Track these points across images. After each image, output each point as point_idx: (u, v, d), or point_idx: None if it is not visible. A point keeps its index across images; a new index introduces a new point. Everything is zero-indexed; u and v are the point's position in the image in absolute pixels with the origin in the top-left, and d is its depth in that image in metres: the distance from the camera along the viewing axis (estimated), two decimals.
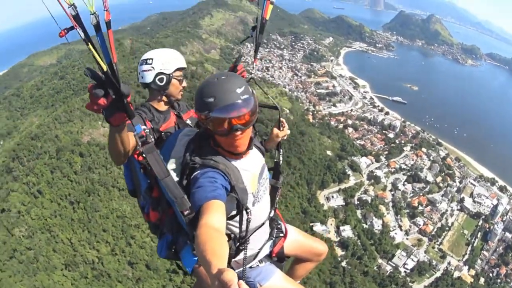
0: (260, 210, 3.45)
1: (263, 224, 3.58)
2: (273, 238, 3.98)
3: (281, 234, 4.09)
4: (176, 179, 3.10)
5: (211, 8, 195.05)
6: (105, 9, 2.15)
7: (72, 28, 2.06)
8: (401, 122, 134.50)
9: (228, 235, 3.16)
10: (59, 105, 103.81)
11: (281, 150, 4.41)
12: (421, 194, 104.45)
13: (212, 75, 3.02)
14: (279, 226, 4.14)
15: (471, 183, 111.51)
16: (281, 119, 4.34)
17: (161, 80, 4.23)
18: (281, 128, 4.40)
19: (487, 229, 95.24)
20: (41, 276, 58.37)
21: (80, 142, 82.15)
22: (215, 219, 2.38)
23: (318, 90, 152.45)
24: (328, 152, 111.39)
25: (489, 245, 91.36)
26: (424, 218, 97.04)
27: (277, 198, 4.07)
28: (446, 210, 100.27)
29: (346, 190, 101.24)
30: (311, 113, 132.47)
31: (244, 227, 3.15)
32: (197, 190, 2.73)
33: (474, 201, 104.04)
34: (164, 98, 4.43)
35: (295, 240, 4.39)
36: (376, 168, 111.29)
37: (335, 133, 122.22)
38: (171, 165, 3.20)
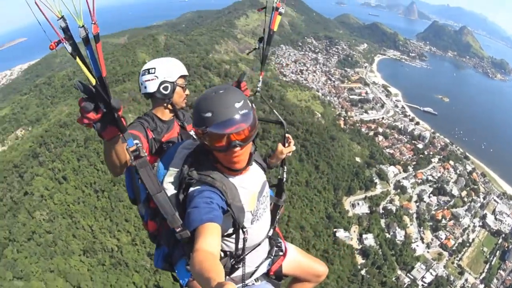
0: (258, 228, 3.30)
1: (261, 242, 3.42)
2: (272, 257, 3.80)
3: (281, 253, 3.91)
4: (173, 192, 3.02)
5: (247, 8, 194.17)
6: (93, 22, 2.13)
7: (63, 40, 2.10)
8: (430, 133, 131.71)
9: (224, 252, 3.10)
10: None
11: (285, 167, 4.18)
12: (445, 207, 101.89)
13: (210, 88, 2.89)
14: (278, 244, 3.97)
15: (495, 200, 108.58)
16: (287, 135, 4.16)
17: (165, 88, 4.16)
18: (287, 145, 4.19)
19: (506, 248, 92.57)
20: (57, 260, 59.10)
21: None
22: (209, 243, 2.34)
23: (351, 96, 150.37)
24: (357, 159, 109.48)
25: (506, 264, 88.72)
26: (446, 232, 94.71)
27: (278, 216, 3.93)
28: (469, 226, 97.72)
29: (372, 198, 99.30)
30: (342, 119, 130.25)
31: (240, 245, 3.04)
32: (192, 211, 2.64)
33: (496, 219, 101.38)
34: (169, 106, 4.34)
35: (295, 259, 4.17)
36: (403, 178, 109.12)
37: (365, 140, 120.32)
38: (169, 178, 3.11)
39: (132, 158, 2.85)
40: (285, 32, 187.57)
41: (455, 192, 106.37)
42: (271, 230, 3.65)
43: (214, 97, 2.73)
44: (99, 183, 72.47)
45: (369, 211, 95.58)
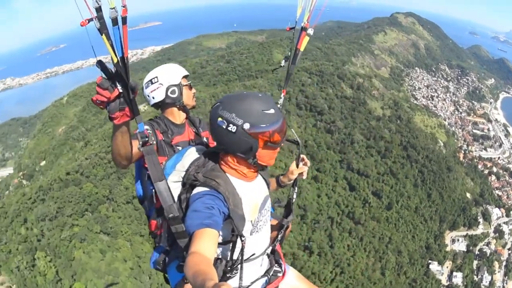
0: (257, 241, 3.12)
1: (258, 256, 3.20)
2: (269, 276, 3.51)
3: (279, 274, 3.62)
4: (176, 191, 2.96)
5: (385, 26, 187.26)
6: (123, 5, 2.15)
7: (95, 18, 2.13)
8: None
9: (219, 259, 2.91)
10: (220, 86, 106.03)
11: (296, 188, 3.77)
12: None
13: (243, 92, 2.91)
14: (279, 264, 3.65)
15: None
16: (302, 155, 3.78)
17: (173, 92, 4.04)
18: (301, 165, 3.77)
19: None
20: None
21: None
22: (205, 248, 2.27)
23: (474, 130, 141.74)
24: (468, 195, 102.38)
25: None
26: None
27: (281, 236, 3.59)
28: None
29: (472, 237, 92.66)
30: (463, 152, 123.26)
31: (236, 254, 2.87)
32: (192, 214, 2.56)
33: None
34: (181, 109, 4.18)
35: (293, 283, 3.82)
36: (504, 223, 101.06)
37: (479, 177, 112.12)
38: (174, 177, 3.03)
39: (141, 143, 2.76)
40: (420, 55, 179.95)
41: None
42: (270, 248, 3.41)
43: (266, 98, 2.73)
44: None
45: (465, 250, 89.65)
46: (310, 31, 3.91)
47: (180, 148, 3.79)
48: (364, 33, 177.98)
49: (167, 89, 4.02)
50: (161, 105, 4.16)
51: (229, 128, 2.60)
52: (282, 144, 2.81)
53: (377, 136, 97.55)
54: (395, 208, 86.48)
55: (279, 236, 3.58)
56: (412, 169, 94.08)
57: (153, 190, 3.39)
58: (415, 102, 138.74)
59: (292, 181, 3.80)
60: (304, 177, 3.82)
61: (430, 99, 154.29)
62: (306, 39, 3.94)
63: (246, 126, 2.58)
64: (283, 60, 4.16)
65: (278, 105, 3.94)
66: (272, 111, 2.64)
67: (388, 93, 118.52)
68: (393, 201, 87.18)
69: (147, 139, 2.78)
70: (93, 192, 68.99)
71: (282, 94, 4.17)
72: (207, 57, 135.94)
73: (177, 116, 4.17)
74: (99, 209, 66.64)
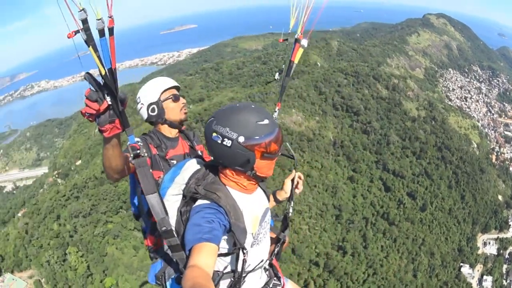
0: (257, 253, 3.04)
1: (257, 268, 3.13)
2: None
3: (278, 287, 3.51)
4: (175, 204, 2.90)
5: (418, 27, 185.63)
6: (110, 16, 2.11)
7: (81, 30, 2.10)
8: None
9: (220, 272, 2.84)
10: (256, 87, 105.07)
11: (292, 202, 3.66)
12: None
13: (235, 103, 2.79)
14: (277, 277, 3.53)
15: None
16: (297, 173, 3.64)
17: (153, 110, 3.96)
18: (296, 182, 3.65)
19: None
20: None
21: None
22: (204, 262, 2.24)
23: (506, 132, 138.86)
24: (499, 197, 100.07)
25: None
26: None
27: (277, 250, 3.52)
28: None
29: (503, 241, 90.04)
30: (495, 153, 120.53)
31: (238, 267, 2.77)
32: (192, 228, 2.51)
33: None
34: (167, 125, 4.07)
35: None
36: None
37: (510, 179, 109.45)
38: (173, 191, 2.97)
39: (132, 155, 2.64)
40: (453, 56, 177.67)
41: None
42: (268, 262, 3.35)
43: (259, 109, 2.66)
44: None
45: (496, 253, 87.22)
46: (304, 42, 3.82)
47: (174, 162, 3.73)
48: (398, 34, 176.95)
49: (148, 107, 3.94)
50: (153, 123, 4.08)
51: (224, 143, 2.55)
52: (280, 154, 2.76)
53: (412, 137, 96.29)
54: (429, 210, 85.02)
55: (276, 249, 3.49)
56: (446, 170, 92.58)
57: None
58: (449, 103, 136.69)
59: (288, 196, 3.67)
60: (299, 191, 3.66)
61: (464, 100, 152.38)
62: (300, 51, 3.87)
63: (241, 139, 2.53)
64: (277, 73, 4.13)
65: (274, 119, 3.40)
66: (266, 121, 2.58)
67: (423, 94, 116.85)
68: (427, 203, 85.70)
69: (138, 151, 2.64)
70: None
71: (277, 108, 4.07)
72: (243, 58, 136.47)
73: (167, 131, 4.06)
74: None
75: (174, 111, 4.05)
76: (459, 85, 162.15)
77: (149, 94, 3.96)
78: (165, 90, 4.01)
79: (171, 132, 4.09)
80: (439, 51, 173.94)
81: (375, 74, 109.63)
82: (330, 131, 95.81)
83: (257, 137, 2.53)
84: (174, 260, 2.92)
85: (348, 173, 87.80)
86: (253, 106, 2.66)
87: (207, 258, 2.24)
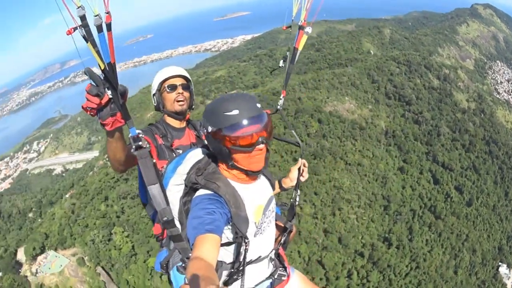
0: (261, 242, 2.95)
1: (262, 258, 3.05)
2: (274, 278, 3.33)
3: (283, 278, 3.42)
4: (177, 194, 2.87)
5: (467, 16, 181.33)
6: (106, 12, 2.14)
7: (80, 26, 2.10)
8: None
9: (223, 261, 2.81)
10: (310, 73, 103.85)
11: (299, 191, 3.63)
12: None
13: (222, 95, 2.86)
14: (284, 267, 3.44)
15: None
16: (302, 160, 3.58)
17: (155, 100, 3.99)
18: (301, 171, 3.60)
19: None
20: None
21: (321, 110, 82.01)
22: (207, 253, 2.19)
23: None
24: None
25: None
26: None
27: (284, 239, 3.44)
28: None
29: None
30: None
31: (240, 257, 2.71)
32: (193, 220, 2.43)
33: None
34: (168, 115, 4.00)
35: (298, 286, 3.62)
36: None
37: None
38: (175, 180, 2.92)
39: (134, 147, 2.58)
40: (500, 48, 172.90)
41: None
42: (273, 251, 3.23)
43: (236, 98, 2.52)
44: (299, 152, 72.42)
45: None
46: (308, 29, 3.61)
47: (180, 151, 3.64)
48: (448, 24, 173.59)
49: (153, 97, 3.94)
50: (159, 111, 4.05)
51: (203, 132, 2.61)
52: (263, 148, 2.57)
53: (462, 129, 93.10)
54: (474, 205, 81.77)
55: (283, 239, 3.38)
56: (493, 165, 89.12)
57: None
58: (497, 96, 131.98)
59: (294, 183, 3.59)
60: (304, 179, 3.55)
61: (511, 94, 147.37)
62: (305, 37, 3.64)
63: (209, 129, 2.53)
64: (282, 60, 3.88)
65: (278, 106, 3.78)
66: (234, 112, 2.43)
67: (473, 85, 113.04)
68: (473, 198, 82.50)
69: (140, 143, 2.60)
70: None
71: (282, 95, 3.84)
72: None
73: (172, 120, 3.97)
74: None
75: (169, 102, 3.89)
76: (506, 78, 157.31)
77: (154, 83, 3.91)
78: (165, 80, 3.88)
79: (177, 122, 3.97)
80: (487, 42, 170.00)
81: (427, 63, 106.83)
82: (382, 120, 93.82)
83: (222, 128, 2.44)
84: (177, 249, 2.93)
85: (398, 163, 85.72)
86: (234, 96, 2.53)
87: (210, 249, 2.17)
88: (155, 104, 3.97)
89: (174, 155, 3.62)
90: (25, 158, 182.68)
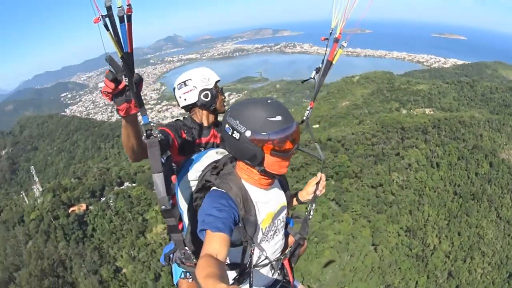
0: (265, 249, 2.89)
1: (265, 266, 3.00)
2: None
3: None
4: (189, 189, 3.00)
5: None
6: (128, 4, 2.16)
7: (105, 16, 2.12)
8: None
9: (228, 264, 2.81)
10: (501, 115, 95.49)
11: (314, 204, 3.45)
12: None
13: (253, 98, 2.71)
14: (287, 280, 3.40)
15: None
16: (321, 174, 3.36)
17: (206, 96, 3.89)
18: (319, 185, 3.38)
19: None
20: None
21: (496, 154, 75.50)
22: (217, 251, 2.17)
23: None
24: None
25: None
26: None
27: (288, 250, 3.31)
28: None
29: None
30: None
31: (246, 259, 2.75)
32: (204, 217, 2.40)
33: None
34: (210, 113, 4.00)
35: None
36: None
37: None
38: (191, 176, 3.02)
39: (145, 134, 2.61)
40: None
41: None
42: (278, 261, 3.12)
43: (275, 104, 2.52)
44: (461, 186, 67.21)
45: None
46: (344, 43, 3.55)
47: (202, 149, 3.64)
48: None
49: (200, 92, 3.86)
50: (191, 107, 3.97)
51: (234, 135, 2.50)
52: (294, 153, 2.61)
53: None
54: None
55: (288, 250, 3.27)
56: None
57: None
58: None
59: (310, 197, 3.40)
60: (320, 194, 3.36)
61: None
62: (339, 51, 3.58)
63: (248, 133, 2.45)
64: (314, 72, 3.73)
65: (304, 117, 3.70)
66: (278, 118, 2.43)
67: None
68: None
69: (151, 131, 2.64)
70: (345, 164, 70.59)
71: (309, 107, 3.80)
72: (498, 84, 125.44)
73: (204, 118, 3.96)
74: (343, 181, 67.61)
75: (221, 102, 4.01)
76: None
77: (205, 79, 3.88)
78: (217, 81, 3.99)
79: (206, 121, 3.97)
80: None
81: None
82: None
83: (264, 133, 2.40)
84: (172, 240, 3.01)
85: None
86: (269, 101, 2.51)
87: (220, 247, 2.14)
88: (205, 99, 3.83)
89: (196, 152, 3.51)
90: None
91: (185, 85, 3.89)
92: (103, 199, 67.73)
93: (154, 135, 2.57)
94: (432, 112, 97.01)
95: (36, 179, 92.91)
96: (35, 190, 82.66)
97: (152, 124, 2.55)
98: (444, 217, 61.68)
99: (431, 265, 56.43)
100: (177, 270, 3.41)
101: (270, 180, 2.70)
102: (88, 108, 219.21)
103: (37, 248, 58.63)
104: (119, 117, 2.50)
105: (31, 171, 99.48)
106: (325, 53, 3.55)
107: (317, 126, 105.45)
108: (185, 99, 3.89)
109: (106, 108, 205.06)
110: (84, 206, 66.65)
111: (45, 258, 56.60)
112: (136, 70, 2.23)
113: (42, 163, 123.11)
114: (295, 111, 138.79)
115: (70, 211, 65.14)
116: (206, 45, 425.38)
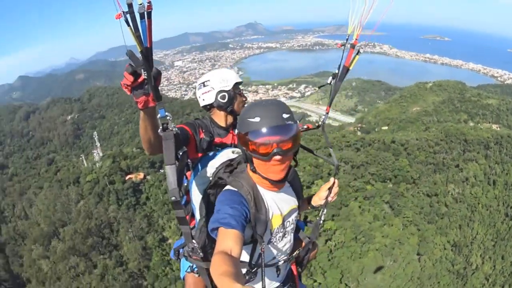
0: (273, 251, 2.91)
1: (271, 266, 2.98)
2: None
3: None
4: (203, 185, 3.01)
5: None
6: (148, 2, 2.19)
7: (126, 13, 2.16)
8: None
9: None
10: None
11: (325, 210, 3.46)
12: None
13: (260, 100, 2.74)
14: (294, 283, 3.41)
15: None
16: (334, 179, 3.37)
17: (223, 97, 3.89)
18: (331, 190, 3.38)
19: None
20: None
21: None
22: (231, 248, 2.15)
23: None
24: None
25: None
26: None
27: (295, 253, 3.26)
28: None
29: None
30: None
31: (254, 258, 2.76)
32: (217, 214, 2.42)
33: None
34: (229, 114, 3.98)
35: None
36: None
37: None
38: (205, 173, 3.06)
39: (161, 127, 2.61)
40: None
41: None
42: (285, 262, 3.09)
43: (264, 105, 2.49)
44: None
45: None
46: (361, 49, 3.51)
47: (219, 149, 3.52)
48: None
49: (218, 93, 3.84)
50: (210, 108, 3.95)
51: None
52: (283, 160, 2.47)
53: None
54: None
55: (295, 253, 3.21)
56: None
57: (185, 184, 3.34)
58: None
59: (322, 202, 3.39)
60: (332, 200, 3.36)
61: None
62: (356, 58, 3.52)
63: (236, 131, 2.60)
64: (331, 77, 3.67)
65: (319, 122, 3.71)
66: (256, 119, 2.39)
67: None
68: None
69: (167, 124, 2.64)
70: (405, 169, 68.88)
71: (326, 111, 3.73)
72: None
73: (223, 119, 3.94)
74: (400, 185, 66.56)
75: (239, 104, 4.00)
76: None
77: (223, 81, 3.86)
78: (237, 83, 3.96)
79: (224, 122, 3.96)
80: None
81: None
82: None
83: (243, 132, 2.44)
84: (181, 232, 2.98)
85: None
86: (264, 102, 2.50)
87: (234, 244, 2.12)
88: (222, 101, 3.83)
89: (213, 150, 3.56)
90: (286, 94, 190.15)
91: (204, 85, 3.96)
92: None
93: (170, 129, 2.65)
94: (498, 128, 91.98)
95: (98, 144, 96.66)
96: (95, 154, 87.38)
97: (168, 118, 2.64)
98: (491, 237, 58.08)
99: (469, 285, 53.07)
100: (184, 265, 3.50)
101: (278, 184, 2.67)
102: (162, 85, 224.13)
103: (87, 208, 61.33)
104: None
105: (94, 137, 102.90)
106: (341, 59, 3.60)
107: (385, 128, 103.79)
108: (203, 99, 3.97)
109: (180, 87, 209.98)
110: (141, 175, 68.82)
111: (93, 218, 58.90)
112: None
113: (107, 132, 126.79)
114: (367, 111, 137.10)
115: (127, 178, 67.89)
116: (287, 36, 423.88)
